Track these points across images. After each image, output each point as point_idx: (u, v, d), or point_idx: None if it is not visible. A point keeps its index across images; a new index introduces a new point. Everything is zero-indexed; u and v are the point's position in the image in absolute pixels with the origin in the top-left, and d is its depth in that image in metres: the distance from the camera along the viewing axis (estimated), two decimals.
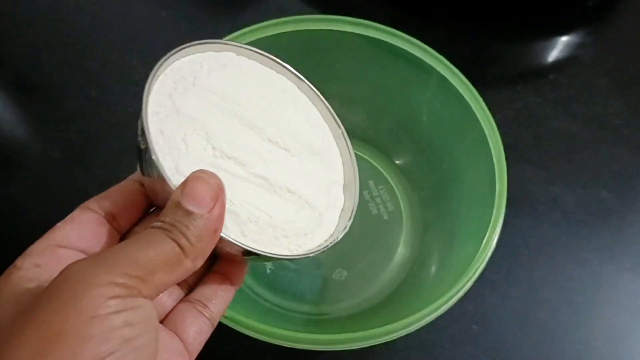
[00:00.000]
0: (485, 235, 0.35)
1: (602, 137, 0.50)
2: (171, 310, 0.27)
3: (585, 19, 0.56)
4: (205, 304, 0.27)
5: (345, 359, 0.41)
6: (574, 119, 0.50)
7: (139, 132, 0.25)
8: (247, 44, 0.39)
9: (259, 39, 0.40)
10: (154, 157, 0.24)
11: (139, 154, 0.26)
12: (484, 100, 0.39)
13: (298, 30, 0.40)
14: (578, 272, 0.44)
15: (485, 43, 0.54)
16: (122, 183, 0.27)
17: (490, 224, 0.36)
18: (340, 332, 0.39)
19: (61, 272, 0.20)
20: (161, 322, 0.26)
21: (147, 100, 0.26)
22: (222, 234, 0.25)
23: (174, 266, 0.22)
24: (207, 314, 0.27)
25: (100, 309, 0.19)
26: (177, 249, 0.22)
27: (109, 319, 0.20)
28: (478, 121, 0.38)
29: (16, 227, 0.45)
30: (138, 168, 0.27)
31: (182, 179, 0.24)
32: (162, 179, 0.24)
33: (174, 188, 0.24)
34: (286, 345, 0.33)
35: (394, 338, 0.33)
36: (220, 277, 0.28)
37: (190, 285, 0.28)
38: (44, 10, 0.54)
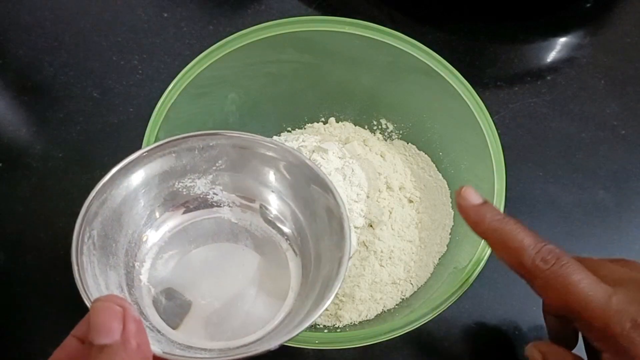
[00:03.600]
0: None
1: (600, 137, 0.50)
2: None
3: (582, 20, 0.56)
4: None
5: (345, 358, 0.41)
6: (572, 120, 0.51)
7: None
8: (247, 44, 0.40)
9: (259, 40, 0.40)
10: None
11: None
12: (483, 100, 0.39)
13: (298, 32, 0.40)
14: None
15: (483, 44, 0.55)
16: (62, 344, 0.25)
17: None
18: (340, 331, 0.39)
19: None
20: None
21: None
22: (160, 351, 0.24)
23: None
24: None
25: None
26: None
27: None
28: (477, 121, 0.39)
29: (19, 226, 0.45)
30: None
31: None
32: None
33: None
34: (286, 344, 0.33)
35: (394, 337, 0.33)
36: None
37: None
38: (46, 13, 0.55)
